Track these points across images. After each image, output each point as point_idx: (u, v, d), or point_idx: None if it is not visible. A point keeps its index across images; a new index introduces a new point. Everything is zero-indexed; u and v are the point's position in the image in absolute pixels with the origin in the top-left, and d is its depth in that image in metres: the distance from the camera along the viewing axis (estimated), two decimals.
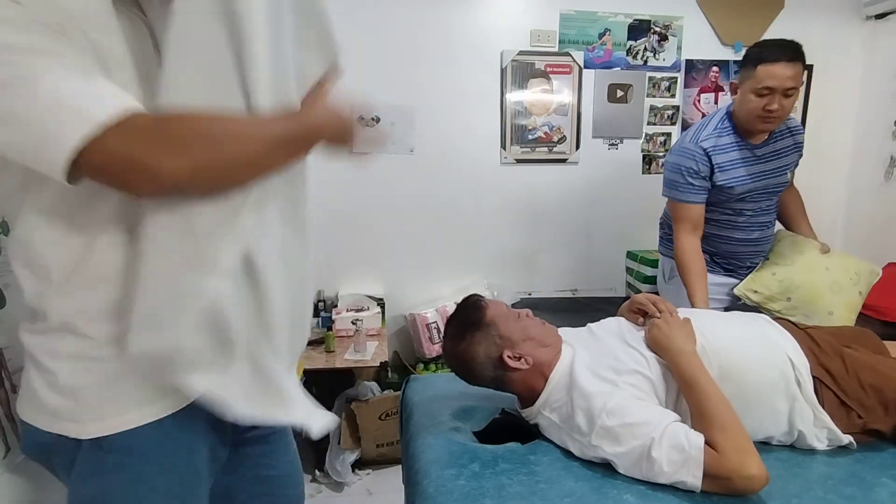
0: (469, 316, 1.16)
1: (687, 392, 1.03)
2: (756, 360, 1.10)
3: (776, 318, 1.25)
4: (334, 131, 0.77)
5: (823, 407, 1.09)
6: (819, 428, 1.08)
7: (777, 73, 1.57)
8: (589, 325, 1.30)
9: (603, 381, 1.05)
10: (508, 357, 1.11)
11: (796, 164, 1.83)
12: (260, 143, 0.65)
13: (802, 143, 1.80)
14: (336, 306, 2.39)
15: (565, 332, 1.30)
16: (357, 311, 2.35)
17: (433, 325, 2.44)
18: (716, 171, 1.70)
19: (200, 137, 0.61)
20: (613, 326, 1.25)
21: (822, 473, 1.01)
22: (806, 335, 1.19)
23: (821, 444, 1.09)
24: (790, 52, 1.58)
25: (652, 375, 1.05)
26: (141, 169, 0.58)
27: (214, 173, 0.63)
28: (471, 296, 1.23)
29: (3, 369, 0.78)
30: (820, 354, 1.14)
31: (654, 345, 1.11)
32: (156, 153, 0.58)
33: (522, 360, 1.12)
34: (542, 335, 1.16)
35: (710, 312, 1.27)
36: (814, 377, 1.10)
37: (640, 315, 1.23)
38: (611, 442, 0.97)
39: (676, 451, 0.92)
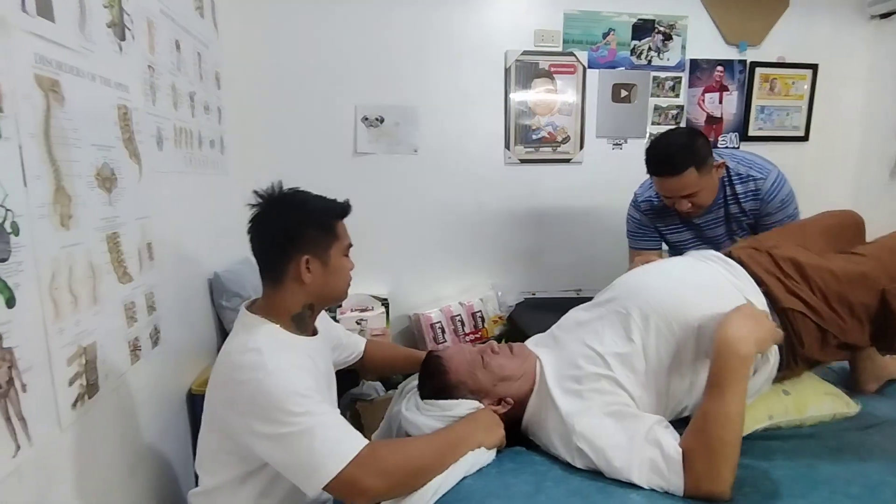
0: (436, 384, 1.14)
1: (708, 390, 0.96)
2: (708, 312, 1.04)
3: (737, 249, 1.23)
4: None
5: (802, 336, 1.08)
6: (764, 368, 1.07)
7: (665, 185, 1.50)
8: (553, 327, 1.28)
9: (568, 395, 1.04)
10: (489, 406, 1.10)
11: (767, 222, 1.62)
12: (439, 459, 0.96)
13: (756, 208, 1.61)
14: (340, 306, 2.39)
15: (535, 343, 1.28)
16: (361, 311, 2.35)
17: (437, 325, 2.44)
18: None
19: (400, 469, 0.93)
20: (571, 323, 1.23)
21: (828, 473, 1.01)
22: (770, 261, 1.16)
23: (755, 392, 1.08)
24: (670, 166, 1.47)
25: (613, 373, 1.04)
26: (360, 489, 0.89)
27: (404, 490, 0.93)
28: (430, 358, 1.20)
29: (13, 368, 0.78)
30: (788, 282, 1.12)
31: (725, 323, 0.98)
32: (367, 479, 0.89)
33: (502, 403, 1.11)
34: (512, 370, 1.13)
35: (667, 263, 1.26)
36: (787, 309, 1.09)
37: None
38: (589, 463, 0.98)
39: (656, 476, 0.92)
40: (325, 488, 0.89)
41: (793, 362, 1.11)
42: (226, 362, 0.99)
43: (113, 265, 1.10)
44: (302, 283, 1.05)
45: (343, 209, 1.11)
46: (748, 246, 1.25)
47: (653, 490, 0.93)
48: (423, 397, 1.16)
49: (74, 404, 0.94)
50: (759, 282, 1.14)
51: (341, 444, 0.91)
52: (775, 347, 1.07)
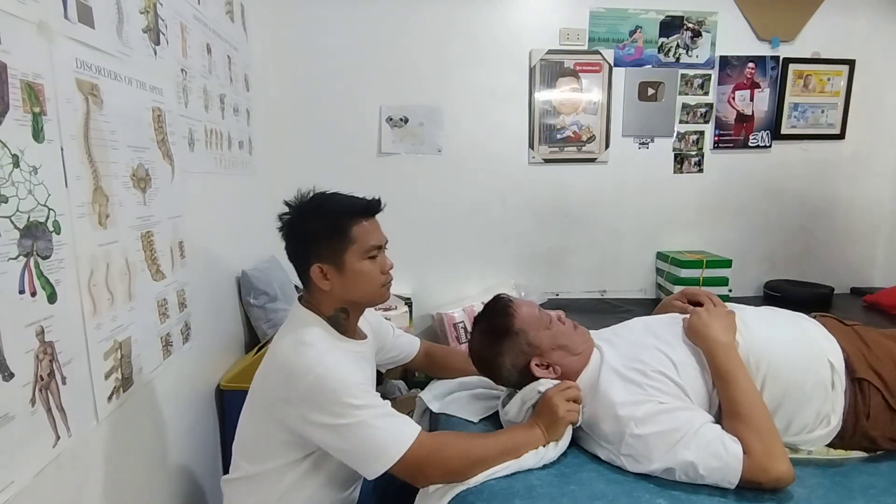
0: (497, 322, 1.13)
1: (720, 385, 1.01)
2: (794, 360, 1.07)
3: (820, 317, 1.21)
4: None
5: (871, 409, 1.05)
6: (822, 429, 1.05)
7: None
8: (613, 326, 1.28)
9: (629, 383, 1.03)
10: (536, 366, 1.10)
11: None
12: (497, 457, 0.97)
13: None
14: None
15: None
16: (385, 310, 2.37)
17: (460, 325, 2.44)
18: None
19: (458, 458, 0.96)
20: (639, 326, 1.23)
21: (864, 483, 0.98)
22: (854, 334, 1.15)
23: (803, 443, 1.07)
24: None
25: (681, 380, 1.03)
26: (421, 472, 0.94)
27: (460, 478, 0.95)
28: (499, 298, 1.18)
29: (54, 361, 0.81)
30: (869, 355, 1.09)
31: (691, 333, 1.09)
32: (427, 461, 0.93)
33: (550, 368, 1.10)
34: (573, 343, 1.13)
35: (751, 308, 1.23)
36: (862, 379, 1.06)
37: (691, 305, 1.22)
38: (643, 450, 0.96)
39: (714, 459, 0.91)
40: (388, 471, 0.92)
41: (852, 432, 1.07)
42: (281, 358, 0.99)
43: (147, 263, 1.14)
44: (324, 291, 1.05)
45: (363, 209, 1.06)
46: (833, 318, 1.23)
47: (681, 492, 0.92)
48: (475, 332, 1.17)
49: (110, 397, 0.98)
50: (841, 347, 1.11)
51: (401, 429, 0.94)
52: (839, 413, 1.05)
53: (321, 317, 1.06)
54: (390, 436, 0.93)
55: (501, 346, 1.11)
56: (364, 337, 1.15)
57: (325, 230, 1.03)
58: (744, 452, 0.91)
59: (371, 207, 1.07)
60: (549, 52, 2.49)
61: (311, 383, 0.92)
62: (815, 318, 1.20)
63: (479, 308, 2.40)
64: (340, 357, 0.99)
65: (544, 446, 1.01)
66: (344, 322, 1.08)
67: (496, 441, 1.02)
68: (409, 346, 1.38)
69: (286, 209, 1.07)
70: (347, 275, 1.04)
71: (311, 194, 1.07)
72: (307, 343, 0.97)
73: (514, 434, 1.04)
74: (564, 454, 1.06)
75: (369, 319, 1.22)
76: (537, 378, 1.10)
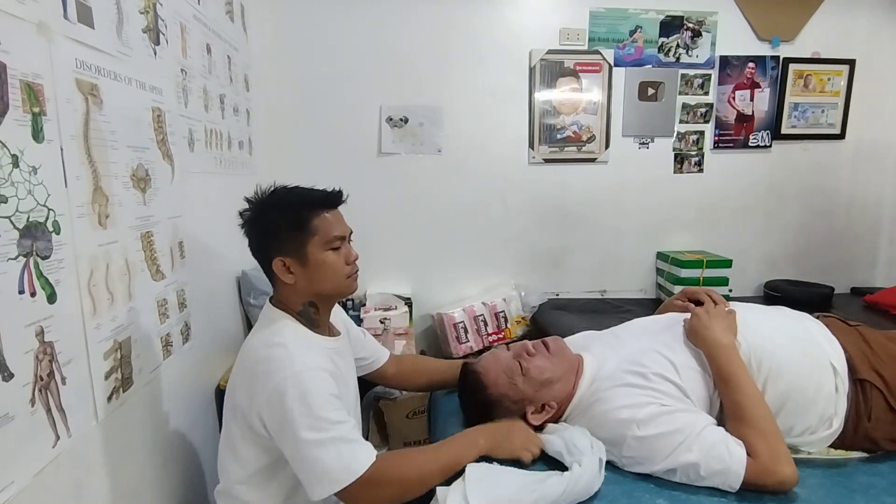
0: (477, 398, 1.13)
1: (722, 387, 1.00)
2: (796, 361, 1.07)
3: (824, 317, 1.21)
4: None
5: (872, 410, 1.05)
6: (824, 431, 1.05)
7: None
8: (613, 328, 1.28)
9: (629, 386, 1.03)
10: (533, 413, 1.09)
11: None
12: (442, 472, 0.95)
13: None
14: (364, 305, 2.42)
15: (588, 337, 1.28)
16: (385, 309, 2.37)
17: (460, 325, 2.44)
18: None
19: (402, 483, 0.94)
20: (639, 328, 1.22)
21: (864, 483, 0.98)
22: (857, 334, 1.15)
23: (805, 444, 1.07)
24: None
25: (682, 382, 1.03)
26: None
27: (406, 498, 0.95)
28: (466, 371, 1.17)
29: (54, 361, 0.81)
30: (872, 357, 1.09)
31: (691, 334, 1.09)
32: (370, 496, 0.91)
33: (546, 407, 1.10)
34: (553, 372, 1.11)
35: (755, 307, 1.23)
36: (864, 380, 1.06)
37: (692, 303, 1.21)
38: (646, 452, 0.96)
39: (716, 462, 0.91)
40: (334, 494, 0.90)
41: (853, 434, 1.07)
42: (250, 355, 0.98)
43: (147, 263, 1.14)
44: (289, 285, 1.04)
45: (323, 200, 1.05)
46: (836, 319, 1.23)
47: (680, 493, 0.92)
48: (464, 409, 1.16)
49: (110, 398, 0.98)
50: (843, 348, 1.11)
51: (354, 456, 0.91)
52: (842, 416, 1.05)
53: (290, 313, 1.04)
54: (342, 463, 0.89)
55: (493, 418, 1.10)
56: (338, 333, 1.14)
57: (285, 223, 1.02)
58: (748, 455, 0.91)
59: (332, 199, 1.06)
60: (549, 52, 2.49)
61: (276, 384, 0.91)
62: (818, 318, 1.19)
63: (479, 308, 2.44)
64: (313, 359, 0.96)
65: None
66: (314, 317, 1.07)
67: (442, 457, 0.98)
68: (379, 351, 1.37)
69: (246, 207, 1.07)
70: (311, 266, 1.03)
71: (271, 189, 1.07)
72: (277, 343, 0.95)
73: (453, 445, 1.01)
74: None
75: (341, 318, 1.21)
76: (538, 425, 1.09)
